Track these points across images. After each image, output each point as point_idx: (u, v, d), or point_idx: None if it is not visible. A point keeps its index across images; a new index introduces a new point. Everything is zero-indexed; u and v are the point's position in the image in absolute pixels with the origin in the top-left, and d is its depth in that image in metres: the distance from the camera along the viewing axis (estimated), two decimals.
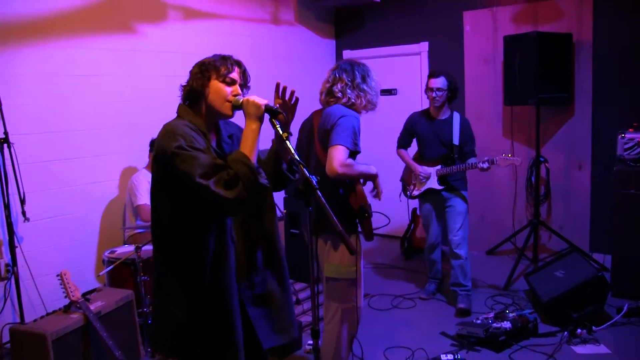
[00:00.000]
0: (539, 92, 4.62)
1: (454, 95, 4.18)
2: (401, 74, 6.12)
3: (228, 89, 2.04)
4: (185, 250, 2.01)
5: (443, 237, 4.45)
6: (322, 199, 1.87)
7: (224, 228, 2.05)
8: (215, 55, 2.09)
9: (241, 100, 2.02)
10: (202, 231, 2.00)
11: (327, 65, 6.29)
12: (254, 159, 1.93)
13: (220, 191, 1.83)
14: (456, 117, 4.20)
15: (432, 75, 4.16)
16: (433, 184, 4.21)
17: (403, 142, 4.47)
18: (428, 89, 4.16)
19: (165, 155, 1.90)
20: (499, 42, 5.20)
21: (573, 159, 5.04)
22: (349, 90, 2.81)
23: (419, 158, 4.36)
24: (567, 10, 4.91)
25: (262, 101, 1.99)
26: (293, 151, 1.96)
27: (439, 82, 4.09)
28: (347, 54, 6.43)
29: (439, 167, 4.17)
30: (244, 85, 2.12)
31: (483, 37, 5.42)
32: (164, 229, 2.05)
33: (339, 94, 2.81)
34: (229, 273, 2.05)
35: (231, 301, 2.05)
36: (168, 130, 1.94)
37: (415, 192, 4.33)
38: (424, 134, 4.30)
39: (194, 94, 2.03)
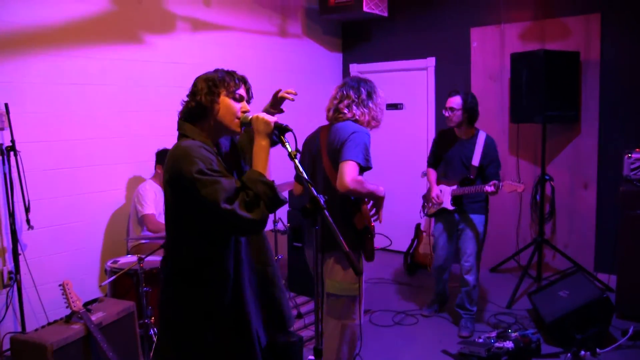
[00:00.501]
0: (546, 110, 4.61)
1: (471, 115, 4.02)
2: (408, 88, 6.13)
3: (237, 105, 2.03)
4: (207, 270, 2.00)
5: (454, 259, 4.37)
6: (330, 218, 1.87)
7: (239, 246, 2.06)
8: (219, 71, 2.06)
9: (250, 117, 2.02)
10: (221, 251, 1.99)
11: (333, 78, 6.34)
12: (268, 176, 1.93)
13: (245, 214, 1.82)
14: (481, 136, 4.04)
15: (449, 94, 4.08)
16: (446, 203, 4.08)
17: (432, 161, 4.36)
18: (444, 107, 4.08)
19: (183, 180, 1.86)
20: (506, 59, 5.20)
21: (579, 177, 5.02)
22: (354, 107, 2.83)
23: (442, 176, 4.22)
24: (575, 29, 4.91)
25: (271, 118, 1.99)
26: (301, 169, 1.95)
27: (453, 101, 3.99)
28: (354, 67, 6.45)
29: (454, 187, 4.05)
30: (249, 100, 2.11)
31: (490, 54, 5.43)
32: (182, 252, 2.03)
33: (345, 110, 2.83)
34: (245, 287, 2.06)
35: (249, 315, 2.06)
36: (184, 153, 1.88)
37: (431, 211, 4.23)
38: (446, 152, 4.17)
39: (201, 110, 2.00)
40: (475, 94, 5.10)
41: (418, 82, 6.01)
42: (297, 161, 1.95)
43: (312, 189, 1.91)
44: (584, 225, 5.04)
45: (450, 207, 4.07)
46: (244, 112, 2.04)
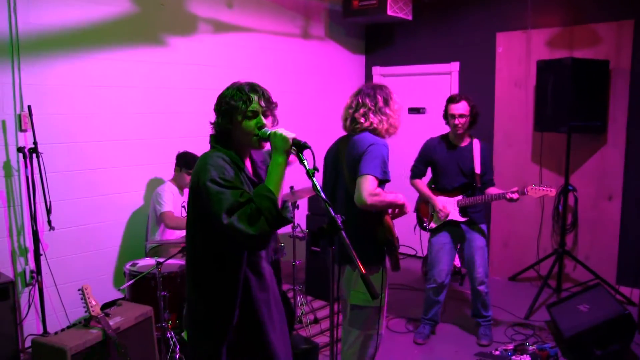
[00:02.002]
0: (571, 119, 4.52)
1: (475, 120, 3.88)
2: (431, 93, 6.06)
3: (253, 123, 2.02)
4: (220, 285, 2.03)
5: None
6: (347, 239, 1.85)
7: (256, 259, 2.08)
8: (232, 87, 2.05)
9: (268, 132, 2.01)
10: (231, 264, 2.02)
11: (356, 80, 6.30)
12: (279, 193, 1.93)
13: (242, 227, 1.82)
14: (476, 143, 3.95)
15: (452, 100, 3.87)
16: (454, 215, 3.94)
17: (418, 172, 4.10)
18: (449, 116, 3.88)
19: (198, 187, 1.93)
20: (532, 66, 5.11)
21: (603, 189, 4.91)
22: (371, 115, 2.76)
23: (434, 188, 4.06)
24: (605, 36, 4.79)
25: (289, 135, 1.97)
26: (319, 188, 1.93)
27: (461, 107, 3.82)
28: (377, 70, 6.40)
29: (459, 197, 3.93)
30: (268, 107, 2.06)
31: (515, 60, 5.33)
32: (198, 260, 2.07)
33: (362, 119, 2.77)
34: (264, 305, 2.10)
35: (268, 336, 2.10)
36: (203, 162, 1.96)
37: (433, 225, 4.04)
38: (443, 162, 3.98)
39: (222, 130, 2.05)
40: (499, 100, 4.97)
41: (441, 86, 5.94)
42: (314, 180, 1.93)
43: (330, 209, 1.89)
44: (607, 237, 4.93)
45: (462, 219, 3.95)
46: (260, 127, 2.02)
